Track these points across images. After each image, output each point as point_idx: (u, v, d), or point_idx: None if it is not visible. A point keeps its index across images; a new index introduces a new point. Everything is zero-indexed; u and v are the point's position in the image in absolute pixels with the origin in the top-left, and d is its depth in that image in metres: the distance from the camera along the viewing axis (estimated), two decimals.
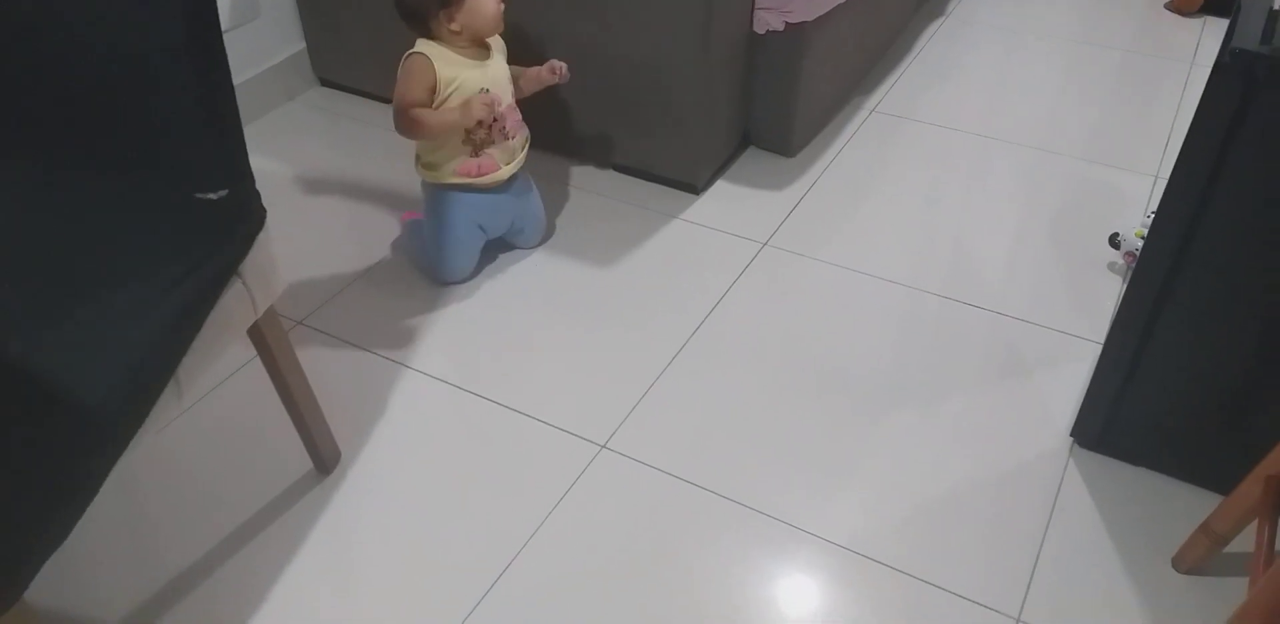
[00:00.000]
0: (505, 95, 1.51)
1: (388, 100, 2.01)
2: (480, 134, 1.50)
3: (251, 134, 1.94)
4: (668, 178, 1.81)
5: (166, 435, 1.33)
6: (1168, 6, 2.44)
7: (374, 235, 1.69)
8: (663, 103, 1.69)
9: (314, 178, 1.83)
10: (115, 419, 0.87)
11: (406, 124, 1.45)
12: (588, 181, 1.82)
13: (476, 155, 1.51)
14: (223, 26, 1.89)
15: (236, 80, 1.91)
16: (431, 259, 1.58)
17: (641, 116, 1.73)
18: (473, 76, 1.46)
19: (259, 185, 1.03)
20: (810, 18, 1.69)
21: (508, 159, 1.55)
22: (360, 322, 1.53)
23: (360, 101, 2.05)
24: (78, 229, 0.96)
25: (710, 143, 1.78)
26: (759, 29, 1.73)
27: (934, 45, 2.28)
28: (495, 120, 1.49)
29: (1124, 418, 1.25)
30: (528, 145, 1.59)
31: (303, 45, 2.04)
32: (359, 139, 1.95)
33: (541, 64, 1.54)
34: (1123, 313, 1.18)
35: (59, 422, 0.83)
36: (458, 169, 1.52)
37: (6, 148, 1.01)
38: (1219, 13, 2.38)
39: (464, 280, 1.60)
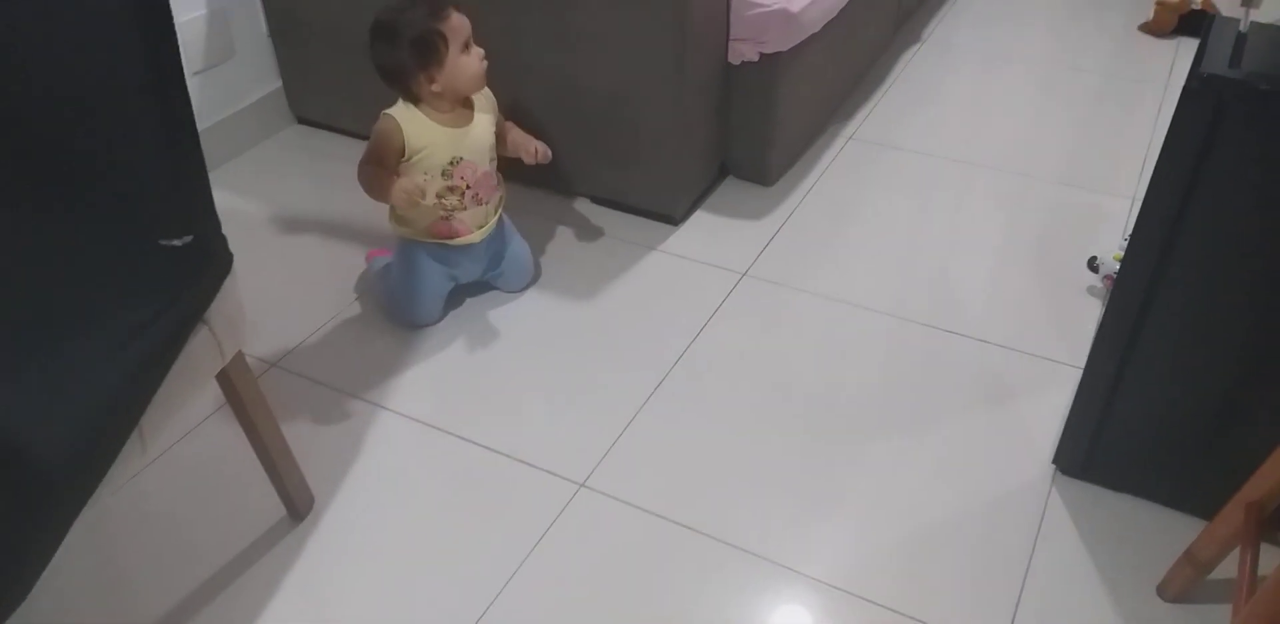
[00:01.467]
0: (482, 162, 1.50)
1: (364, 137, 2.00)
2: (452, 200, 1.49)
3: (228, 173, 1.95)
4: (646, 209, 1.81)
5: (135, 483, 1.31)
6: (1142, 28, 2.45)
7: (349, 274, 1.68)
8: (639, 134, 1.69)
9: (290, 217, 1.82)
10: (74, 474, 0.85)
11: (362, 179, 1.46)
12: (565, 214, 1.82)
13: (449, 220, 1.51)
14: (198, 67, 1.92)
15: (212, 120, 1.92)
16: (399, 304, 1.57)
17: (618, 148, 1.73)
18: (445, 145, 1.45)
19: (234, 225, 1.02)
20: (785, 48, 1.70)
21: (480, 222, 1.54)
22: (335, 362, 1.51)
23: (337, 138, 2.05)
24: (36, 275, 0.95)
25: (688, 173, 1.78)
26: (734, 60, 1.73)
27: (911, 71, 2.29)
28: (469, 187, 1.49)
29: (1105, 444, 1.24)
30: (503, 204, 1.59)
31: (279, 84, 2.05)
32: (336, 176, 1.94)
33: (530, 124, 1.59)
34: (1100, 338, 1.17)
35: (14, 476, 0.81)
36: (429, 228, 1.52)
37: None
38: (1193, 34, 2.39)
39: (431, 324, 1.58)
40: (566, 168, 1.81)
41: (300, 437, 1.37)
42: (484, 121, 1.50)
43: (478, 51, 1.43)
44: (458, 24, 1.40)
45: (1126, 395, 1.18)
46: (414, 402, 1.44)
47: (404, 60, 1.40)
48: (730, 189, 1.89)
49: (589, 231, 1.78)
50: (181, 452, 1.36)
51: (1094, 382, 1.20)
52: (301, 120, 2.10)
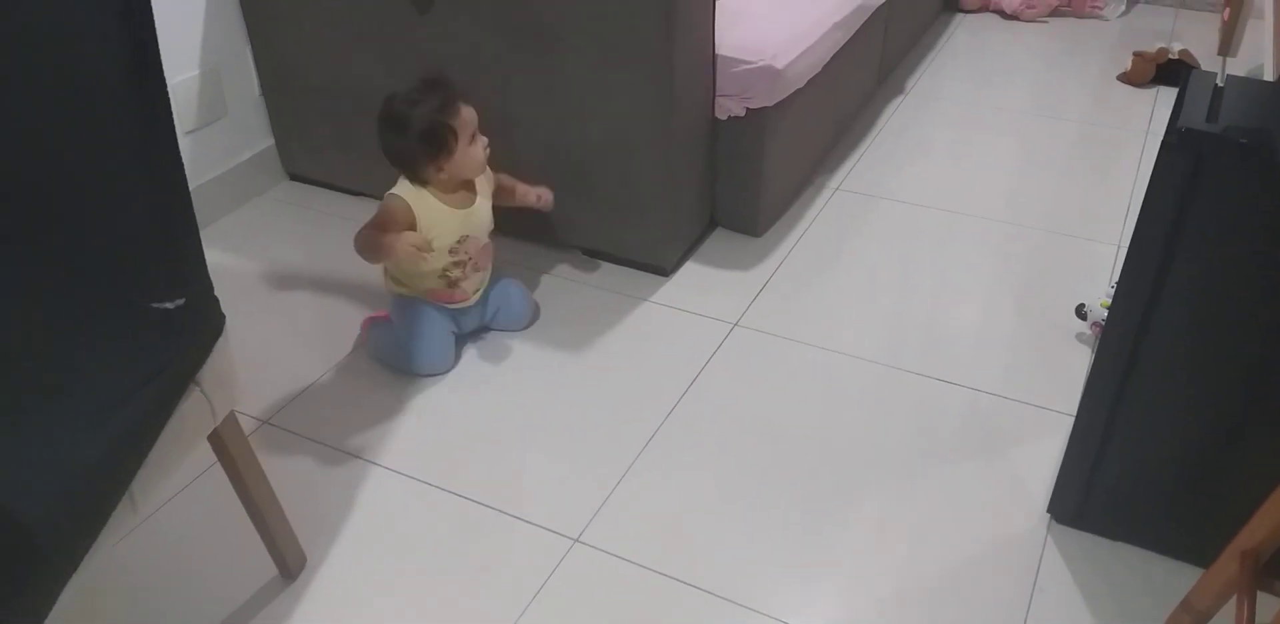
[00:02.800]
0: (483, 236, 1.57)
1: (356, 193, 2.04)
2: (455, 273, 1.55)
3: (220, 230, 1.96)
4: (637, 261, 1.82)
5: (125, 541, 1.29)
6: (1120, 78, 2.50)
7: (341, 330, 1.68)
8: (629, 187, 1.72)
9: (281, 273, 1.83)
10: (64, 539, 0.85)
11: (359, 242, 1.48)
12: (556, 266, 1.83)
13: (450, 288, 1.56)
14: (191, 126, 1.94)
15: (205, 178, 1.94)
16: (407, 354, 1.57)
17: (608, 201, 1.75)
18: (454, 226, 1.51)
19: (226, 282, 1.03)
20: (770, 103, 1.73)
21: (476, 286, 1.60)
22: (326, 419, 1.51)
23: (329, 195, 2.07)
24: (25, 338, 0.95)
25: (677, 225, 1.79)
26: (720, 115, 1.76)
27: (895, 122, 2.33)
28: (470, 258, 1.55)
29: (1099, 492, 1.24)
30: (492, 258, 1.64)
31: (271, 141, 2.07)
32: (327, 232, 1.96)
33: (520, 176, 1.64)
34: (1091, 385, 1.18)
35: (3, 542, 0.80)
36: (429, 293, 1.57)
37: None
38: (1171, 82, 2.44)
39: (444, 372, 1.59)
40: (557, 220, 1.83)
41: (292, 494, 1.36)
42: (485, 201, 1.56)
43: (482, 140, 1.49)
44: (467, 118, 1.45)
45: (1118, 444, 1.19)
46: (406, 457, 1.44)
47: (414, 150, 1.44)
48: (720, 240, 1.91)
49: (580, 283, 1.79)
50: (172, 510, 1.35)
51: (1085, 430, 1.20)
52: (294, 177, 2.12)
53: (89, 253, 0.96)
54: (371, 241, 1.47)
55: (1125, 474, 1.21)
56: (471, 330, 1.64)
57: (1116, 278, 1.65)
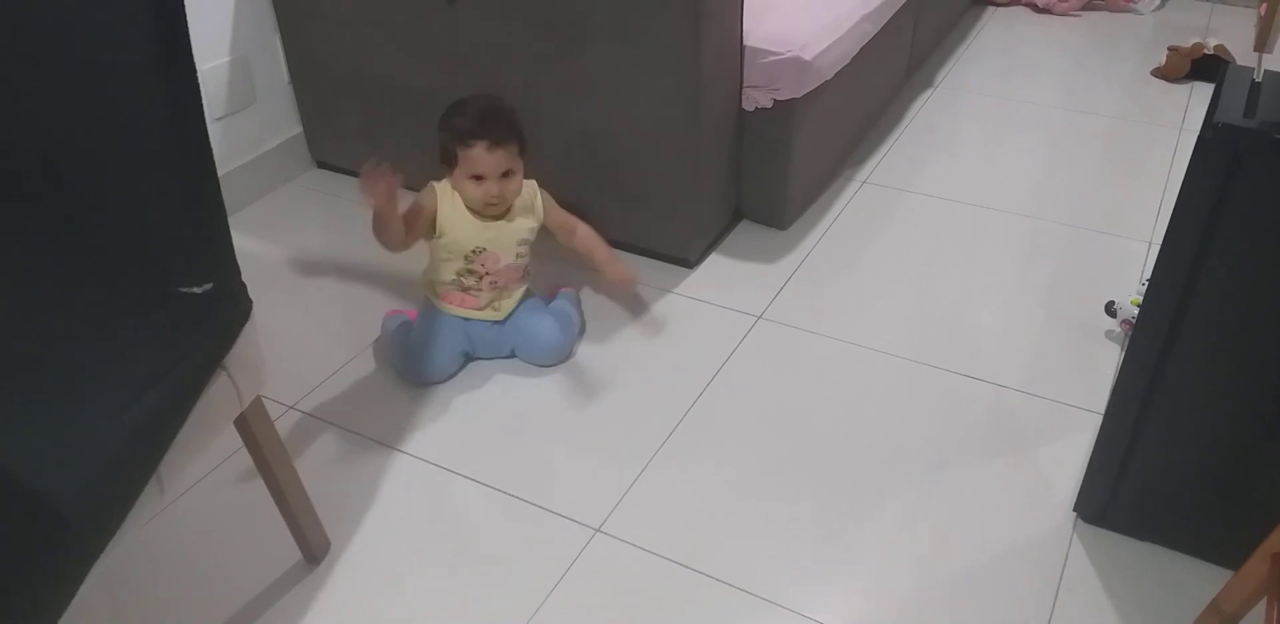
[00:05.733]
0: (508, 256, 1.53)
1: None
2: (469, 281, 1.53)
3: (247, 217, 1.97)
4: (661, 252, 1.82)
5: (150, 524, 1.31)
6: (1154, 73, 2.47)
7: (367, 317, 1.69)
8: (654, 179, 1.71)
9: (308, 260, 1.84)
10: (91, 520, 0.85)
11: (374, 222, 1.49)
12: (578, 256, 1.82)
13: (465, 291, 1.55)
14: (220, 113, 1.95)
15: (233, 165, 1.95)
16: (412, 358, 1.54)
17: (633, 192, 1.75)
18: (469, 236, 1.49)
19: (252, 268, 1.03)
20: (798, 95, 1.72)
21: (494, 304, 1.57)
22: (351, 405, 1.52)
23: (356, 183, 2.07)
24: (56, 322, 0.96)
25: (702, 217, 1.79)
26: (748, 106, 1.75)
27: (924, 115, 2.31)
28: (487, 273, 1.52)
29: (1127, 492, 1.23)
30: (525, 289, 1.61)
31: (299, 129, 2.08)
32: (354, 220, 1.95)
33: (545, 169, 1.62)
34: (1121, 383, 1.16)
35: (31, 523, 0.81)
36: (442, 294, 1.56)
37: None
38: (1206, 78, 2.41)
39: (438, 382, 1.56)
40: (582, 212, 1.82)
41: (316, 479, 1.37)
42: (520, 222, 1.53)
43: (488, 186, 1.44)
44: (475, 157, 1.43)
45: (1148, 442, 1.17)
46: (429, 444, 1.44)
47: (442, 147, 1.47)
48: (745, 233, 1.90)
49: (601, 273, 1.78)
50: (197, 494, 1.36)
51: (1114, 428, 1.19)
52: (321, 165, 2.13)
53: (118, 238, 0.96)
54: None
55: (1154, 473, 1.19)
56: (492, 356, 1.60)
57: (1147, 275, 1.63)
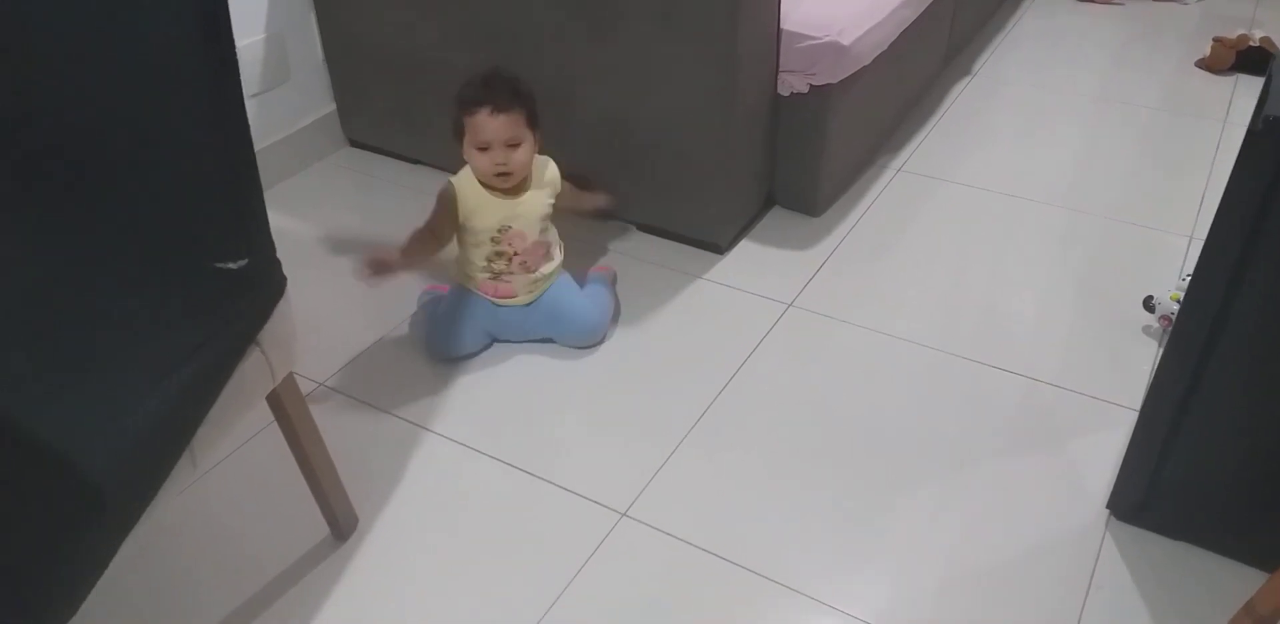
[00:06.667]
0: (532, 232, 1.51)
1: (415, 161, 2.05)
2: (499, 265, 1.52)
3: (279, 194, 1.98)
4: (691, 237, 1.81)
5: (179, 497, 1.32)
6: (1198, 64, 2.42)
7: (396, 298, 1.69)
8: (687, 163, 1.70)
9: (339, 238, 1.84)
10: (125, 493, 0.86)
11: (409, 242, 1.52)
12: (610, 241, 1.82)
13: (495, 281, 1.54)
14: (254, 90, 1.95)
15: (266, 142, 1.95)
16: (436, 332, 1.55)
17: (665, 176, 1.74)
18: (493, 212, 1.49)
19: (285, 245, 1.03)
20: (835, 80, 1.70)
21: (528, 288, 1.56)
22: (380, 383, 1.52)
23: (388, 162, 2.08)
24: (91, 296, 0.96)
25: (734, 203, 1.77)
26: (783, 91, 1.73)
27: (961, 103, 2.28)
28: (516, 254, 1.51)
29: (1163, 490, 1.21)
30: (558, 269, 1.59)
31: (333, 107, 2.08)
32: (385, 199, 1.96)
33: (589, 182, 1.64)
34: (1159, 380, 1.15)
35: (65, 496, 0.81)
36: (478, 286, 1.56)
37: (21, 209, 1.02)
38: (1252, 71, 2.36)
39: (457, 358, 1.56)
40: (611, 193, 1.82)
41: (345, 456, 1.37)
42: (538, 195, 1.51)
43: (494, 154, 1.43)
44: (478, 124, 1.41)
45: (1185, 440, 1.15)
46: (458, 424, 1.44)
47: (454, 122, 1.46)
48: (777, 219, 1.88)
49: (634, 259, 1.78)
50: (227, 468, 1.37)
51: (1151, 425, 1.17)
52: (354, 143, 2.13)
53: (156, 212, 0.96)
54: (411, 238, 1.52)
55: (1191, 471, 1.18)
56: (523, 339, 1.59)
57: (1188, 270, 1.61)
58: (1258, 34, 2.35)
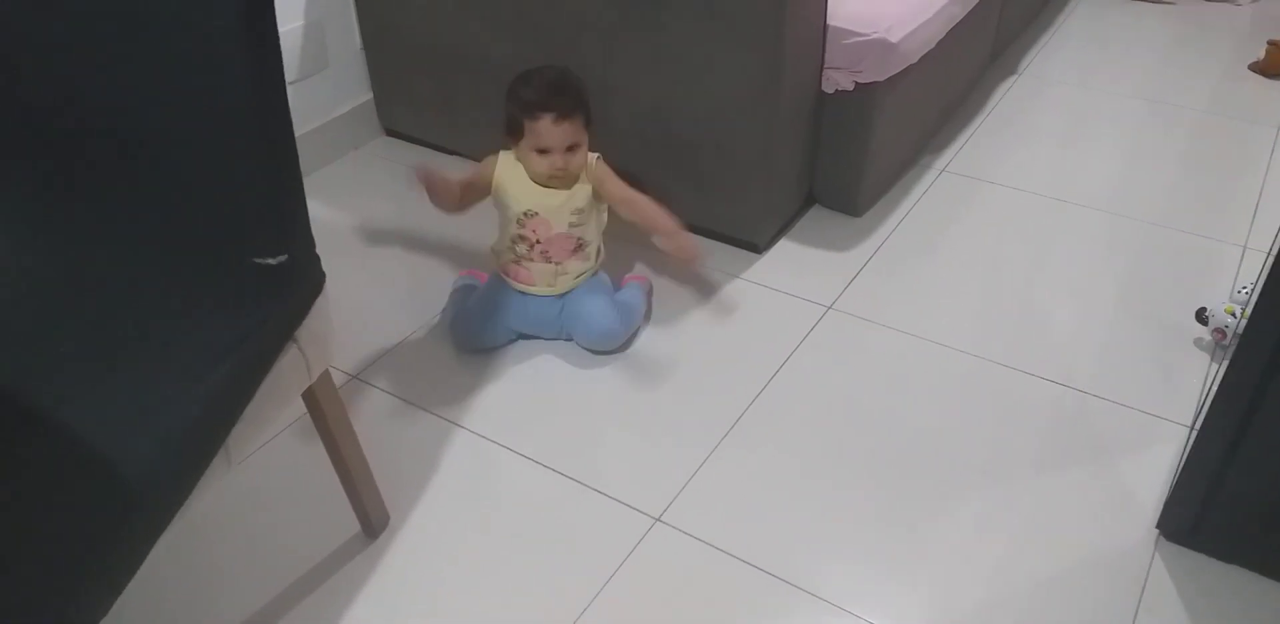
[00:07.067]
0: (559, 224, 1.48)
1: (452, 152, 2.02)
2: (521, 248, 1.51)
3: (315, 183, 1.96)
4: (729, 236, 1.78)
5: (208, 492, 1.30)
6: (1251, 68, 2.36)
7: (432, 290, 1.67)
8: (728, 160, 1.66)
9: (374, 229, 1.83)
10: (161, 490, 0.84)
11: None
12: (643, 236, 1.78)
13: (517, 263, 1.53)
14: (292, 77, 1.94)
15: (303, 130, 1.93)
16: (464, 319, 1.54)
17: (705, 173, 1.70)
18: (522, 196, 1.47)
19: (319, 235, 1.00)
20: (881, 78, 1.66)
21: (549, 281, 1.53)
22: (415, 378, 1.50)
23: (425, 152, 2.05)
24: (130, 290, 0.95)
25: (774, 201, 1.74)
26: (828, 89, 1.70)
27: (1006, 103, 2.23)
28: (539, 242, 1.49)
29: (1217, 511, 1.17)
30: (590, 269, 1.56)
31: (370, 96, 2.06)
32: (422, 190, 1.94)
33: (616, 145, 1.57)
34: (1219, 399, 1.11)
35: (102, 493, 0.80)
36: (501, 265, 1.55)
37: (64, 203, 1.01)
38: None
39: (483, 349, 1.54)
40: (648, 188, 1.79)
41: (376, 451, 1.36)
42: (576, 190, 1.49)
43: (554, 159, 1.41)
44: (541, 130, 1.40)
45: (1244, 461, 1.12)
46: (492, 423, 1.42)
47: (508, 117, 1.45)
48: (816, 218, 1.85)
49: (666, 255, 1.75)
50: (257, 461, 1.36)
51: (1209, 444, 1.13)
52: (390, 132, 2.11)
53: (196, 206, 0.95)
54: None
55: (1247, 495, 1.14)
56: (549, 337, 1.56)
57: (1243, 282, 1.56)
58: None
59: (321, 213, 1.85)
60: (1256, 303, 1.04)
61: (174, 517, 0.87)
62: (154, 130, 0.93)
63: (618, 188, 1.51)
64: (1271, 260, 1.01)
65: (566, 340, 1.56)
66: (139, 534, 0.84)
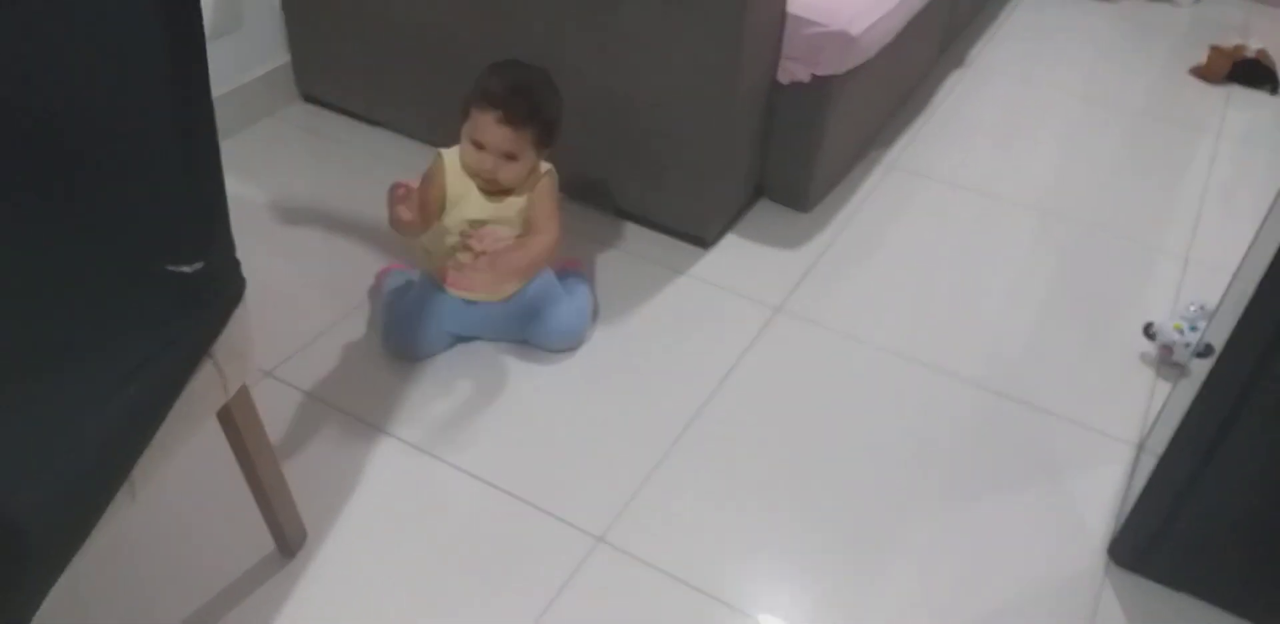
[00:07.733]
0: (508, 234, 1.37)
1: (375, 122, 1.89)
2: (464, 256, 1.38)
3: (226, 150, 1.79)
4: (675, 229, 1.70)
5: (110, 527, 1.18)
6: (1192, 72, 2.36)
7: (354, 274, 1.55)
8: (677, 149, 1.58)
9: (291, 206, 1.69)
10: (56, 537, 0.73)
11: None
12: (587, 227, 1.70)
13: (459, 270, 1.39)
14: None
15: (215, 93, 1.76)
16: (397, 329, 1.42)
17: (655, 163, 1.62)
18: (472, 203, 1.35)
19: (230, 210, 0.88)
20: (839, 71, 1.59)
21: (493, 288, 1.40)
22: (335, 377, 1.39)
23: (345, 121, 1.91)
24: (28, 301, 0.82)
25: (724, 194, 1.66)
26: (783, 79, 1.62)
27: (955, 97, 2.19)
28: (483, 252, 1.37)
29: (1171, 539, 1.15)
30: (530, 277, 1.42)
31: (287, 58, 1.90)
32: (342, 163, 1.81)
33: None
34: (1186, 426, 1.08)
35: None
36: (437, 269, 1.41)
37: None
38: (1246, 82, 2.31)
39: (419, 359, 1.43)
40: (595, 178, 1.69)
41: (292, 460, 1.25)
42: (520, 198, 1.37)
43: (484, 158, 1.30)
44: (482, 124, 1.29)
45: (1205, 491, 1.10)
46: (420, 429, 1.32)
47: (465, 95, 1.33)
48: (764, 213, 1.78)
49: (612, 248, 1.66)
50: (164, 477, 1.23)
51: (1170, 472, 1.11)
52: (308, 98, 1.96)
53: (104, 206, 0.82)
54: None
55: (1205, 524, 1.12)
56: (498, 339, 1.46)
57: (1188, 297, 1.55)
58: (1254, 45, 2.30)
59: (231, 186, 1.68)
60: (1234, 331, 1.01)
61: (70, 561, 0.76)
62: (57, 118, 0.80)
63: (543, 213, 1.37)
64: (1250, 295, 0.98)
65: (515, 342, 1.47)
66: (32, 583, 0.73)
